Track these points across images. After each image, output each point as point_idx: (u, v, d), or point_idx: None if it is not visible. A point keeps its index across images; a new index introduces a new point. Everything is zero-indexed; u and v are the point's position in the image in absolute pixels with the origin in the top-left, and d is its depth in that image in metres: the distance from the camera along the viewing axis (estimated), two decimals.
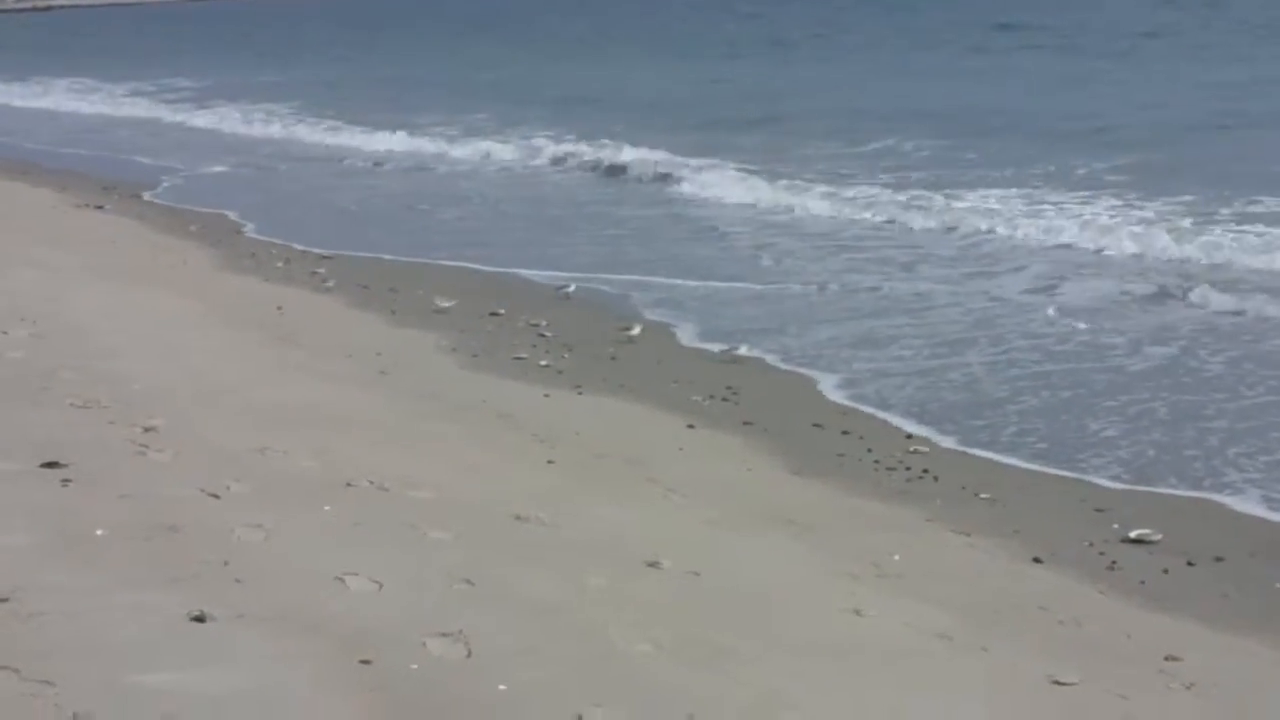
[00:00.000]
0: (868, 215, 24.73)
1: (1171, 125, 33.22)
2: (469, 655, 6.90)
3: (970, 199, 25.31)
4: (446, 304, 17.79)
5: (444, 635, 7.07)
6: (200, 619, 7.02)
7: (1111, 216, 22.87)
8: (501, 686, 6.57)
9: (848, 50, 63.46)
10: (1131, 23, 63.95)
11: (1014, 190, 25.99)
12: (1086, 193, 25.35)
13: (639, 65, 60.43)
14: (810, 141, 34.17)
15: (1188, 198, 23.94)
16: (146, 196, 28.55)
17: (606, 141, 34.25)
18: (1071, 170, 27.92)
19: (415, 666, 6.72)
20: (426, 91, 52.13)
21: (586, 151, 33.49)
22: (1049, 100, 40.06)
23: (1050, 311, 17.17)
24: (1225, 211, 22.71)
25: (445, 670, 6.73)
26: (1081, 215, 23.08)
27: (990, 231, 22.73)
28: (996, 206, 24.44)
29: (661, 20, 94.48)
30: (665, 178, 29.54)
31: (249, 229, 24.36)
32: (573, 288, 18.74)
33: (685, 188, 28.43)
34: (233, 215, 25.89)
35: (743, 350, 15.49)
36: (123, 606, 7.16)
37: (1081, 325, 16.43)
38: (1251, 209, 22.78)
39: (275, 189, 30.36)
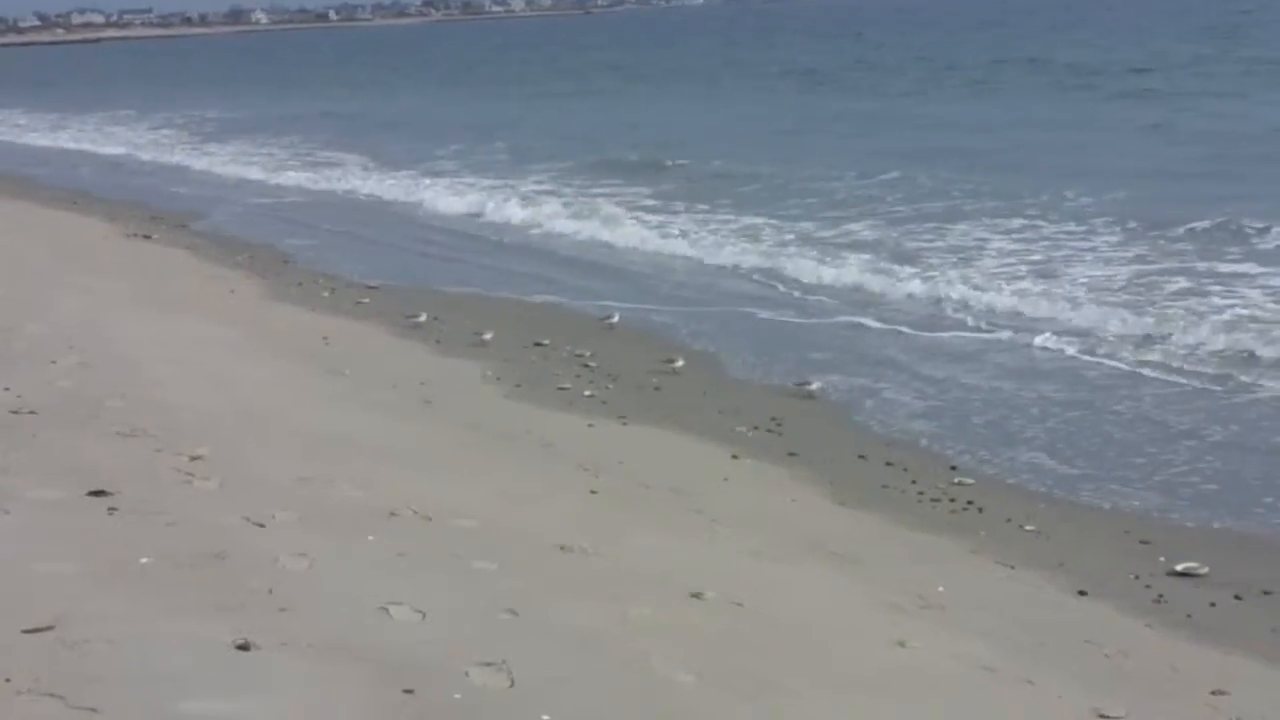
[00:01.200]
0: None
1: None
2: (511, 685, 6.88)
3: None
4: (489, 335, 17.84)
5: (487, 665, 7.06)
6: (245, 647, 7.03)
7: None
8: (545, 717, 6.55)
9: None
10: None
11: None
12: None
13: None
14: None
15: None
16: (194, 226, 28.72)
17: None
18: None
19: (458, 696, 6.71)
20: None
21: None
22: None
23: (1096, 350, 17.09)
24: None
25: (488, 700, 6.72)
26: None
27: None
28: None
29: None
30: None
31: (296, 260, 24.47)
32: (616, 318, 18.76)
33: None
34: (280, 246, 26.02)
35: (815, 385, 15.35)
36: (168, 635, 7.17)
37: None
38: None
39: (320, 224, 30.37)
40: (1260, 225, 23.23)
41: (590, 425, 13.73)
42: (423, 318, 18.72)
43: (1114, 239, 23.80)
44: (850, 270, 22.06)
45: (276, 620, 7.47)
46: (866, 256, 23.21)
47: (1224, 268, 20.75)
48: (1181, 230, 23.53)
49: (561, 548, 9.42)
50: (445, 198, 32.92)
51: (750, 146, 40.07)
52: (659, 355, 16.94)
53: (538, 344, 17.42)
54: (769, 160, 35.83)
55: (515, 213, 29.97)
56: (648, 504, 11.17)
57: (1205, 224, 23.67)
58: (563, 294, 21.22)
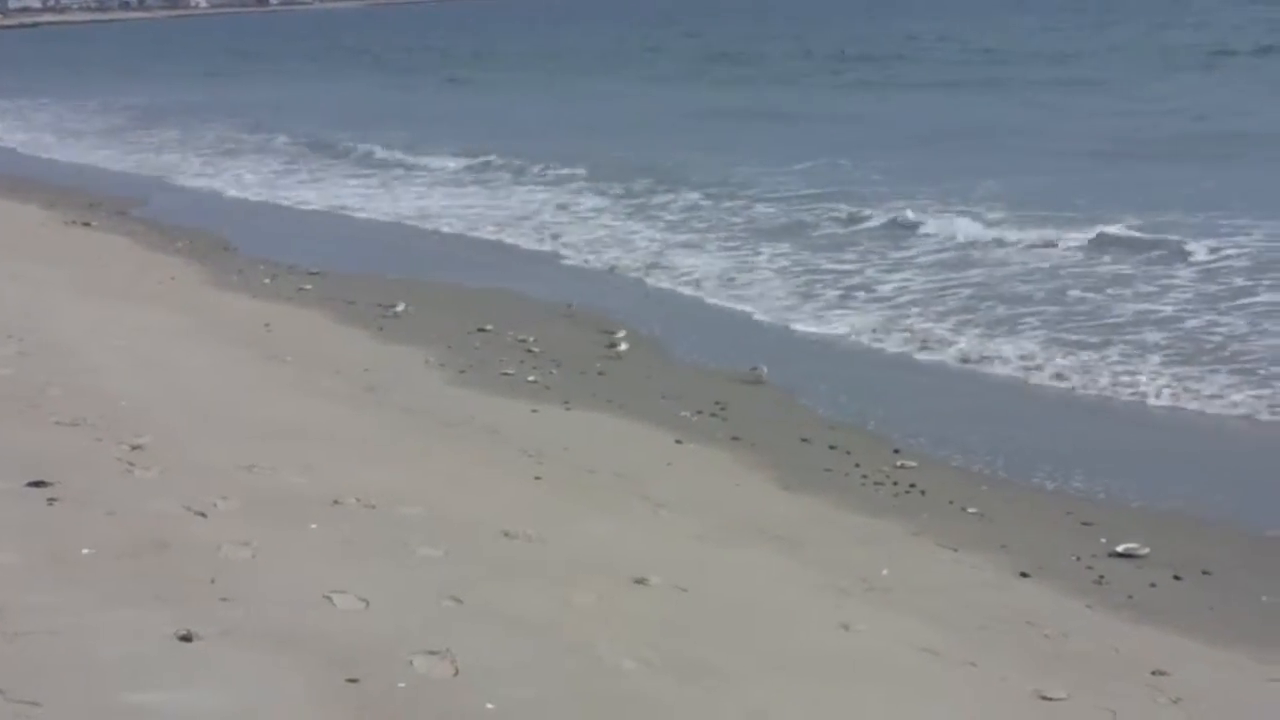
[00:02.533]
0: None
1: None
2: (456, 673, 6.88)
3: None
4: (430, 318, 17.84)
5: (431, 653, 7.06)
6: (187, 638, 7.00)
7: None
8: (489, 705, 6.56)
9: None
10: None
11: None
12: None
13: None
14: None
15: None
16: (134, 213, 28.51)
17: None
18: None
19: (403, 685, 6.70)
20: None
21: None
22: None
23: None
24: None
25: (433, 688, 6.71)
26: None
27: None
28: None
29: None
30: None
31: (236, 247, 24.32)
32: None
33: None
34: (220, 232, 25.85)
35: (764, 370, 15.35)
36: (110, 625, 7.14)
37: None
38: None
39: (261, 209, 30.25)
40: None
41: (534, 411, 13.72)
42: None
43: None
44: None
45: (219, 610, 7.44)
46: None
47: None
48: None
49: (506, 534, 9.42)
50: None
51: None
52: (602, 340, 16.93)
53: (480, 329, 17.37)
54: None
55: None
56: (592, 489, 11.17)
57: None
58: (510, 280, 21.17)
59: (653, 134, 39.69)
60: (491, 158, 35.67)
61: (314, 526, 9.12)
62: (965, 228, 23.28)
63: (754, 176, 30.39)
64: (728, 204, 27.54)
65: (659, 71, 65.77)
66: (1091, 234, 21.83)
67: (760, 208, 26.87)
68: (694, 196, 28.47)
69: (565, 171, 32.63)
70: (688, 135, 38.99)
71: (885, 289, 19.59)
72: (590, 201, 28.88)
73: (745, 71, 62.76)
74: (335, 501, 9.72)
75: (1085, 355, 15.67)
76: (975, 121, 38.83)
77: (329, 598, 7.75)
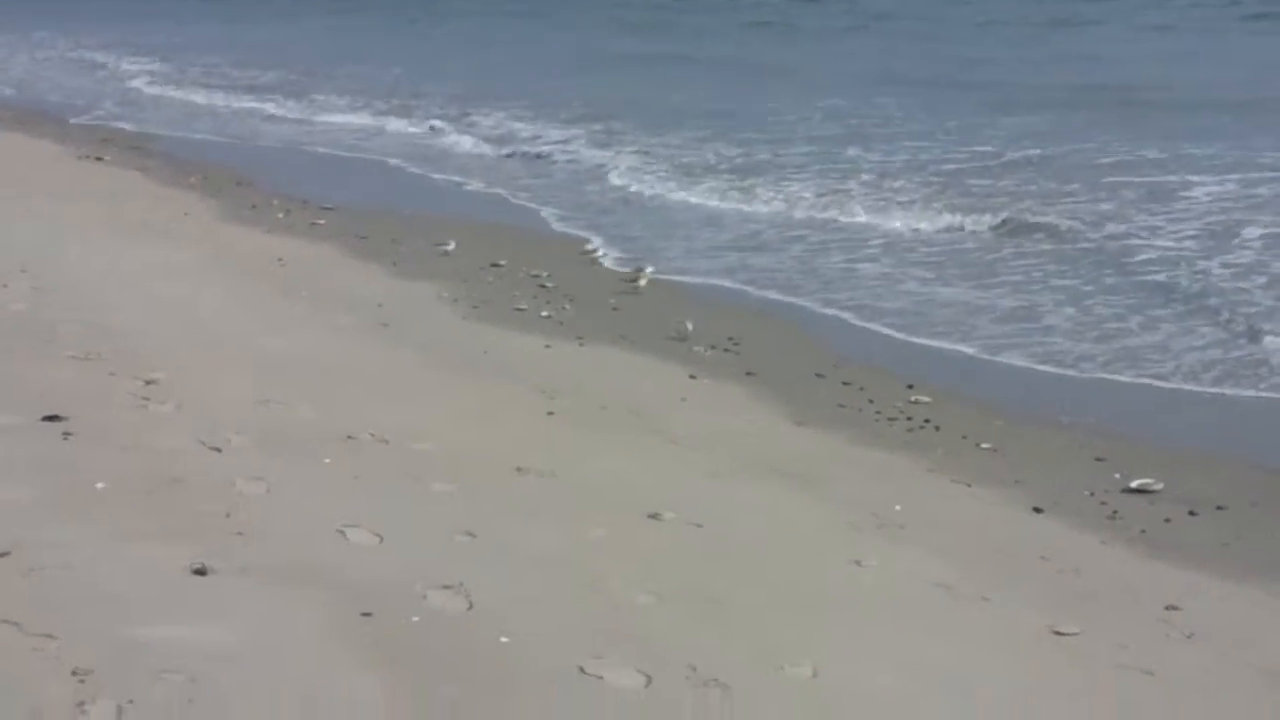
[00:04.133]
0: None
1: None
2: (470, 608, 6.91)
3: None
4: (449, 247, 17.87)
5: (445, 588, 7.08)
6: (202, 572, 7.03)
7: None
8: (504, 639, 6.58)
9: None
10: None
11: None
12: None
13: None
14: None
15: None
16: (147, 148, 28.45)
17: None
18: None
19: (416, 619, 6.73)
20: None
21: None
22: None
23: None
24: None
25: (446, 623, 6.74)
26: None
27: None
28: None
29: None
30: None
31: (251, 181, 24.27)
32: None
33: None
34: (234, 168, 25.80)
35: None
36: (124, 560, 7.17)
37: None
38: None
39: (273, 145, 30.21)
40: None
41: (548, 346, 13.72)
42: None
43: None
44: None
45: (233, 544, 7.47)
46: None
47: None
48: None
49: (519, 470, 9.44)
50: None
51: None
52: (616, 277, 16.93)
53: (494, 265, 17.35)
54: None
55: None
56: (605, 425, 11.18)
57: None
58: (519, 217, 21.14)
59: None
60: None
61: (328, 461, 9.15)
62: None
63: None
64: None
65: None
66: None
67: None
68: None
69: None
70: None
71: None
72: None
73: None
74: (349, 437, 9.75)
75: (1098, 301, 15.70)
76: None
77: (343, 532, 7.78)
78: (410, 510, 8.33)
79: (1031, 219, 19.43)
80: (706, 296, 16.17)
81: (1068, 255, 17.62)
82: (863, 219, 20.20)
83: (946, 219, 19.79)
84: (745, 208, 21.47)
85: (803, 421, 11.71)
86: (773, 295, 16.19)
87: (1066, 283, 16.38)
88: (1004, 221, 19.37)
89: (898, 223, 19.89)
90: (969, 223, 19.52)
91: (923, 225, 19.63)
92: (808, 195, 21.86)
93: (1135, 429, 11.64)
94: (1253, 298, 15.17)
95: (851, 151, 25.64)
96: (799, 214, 20.86)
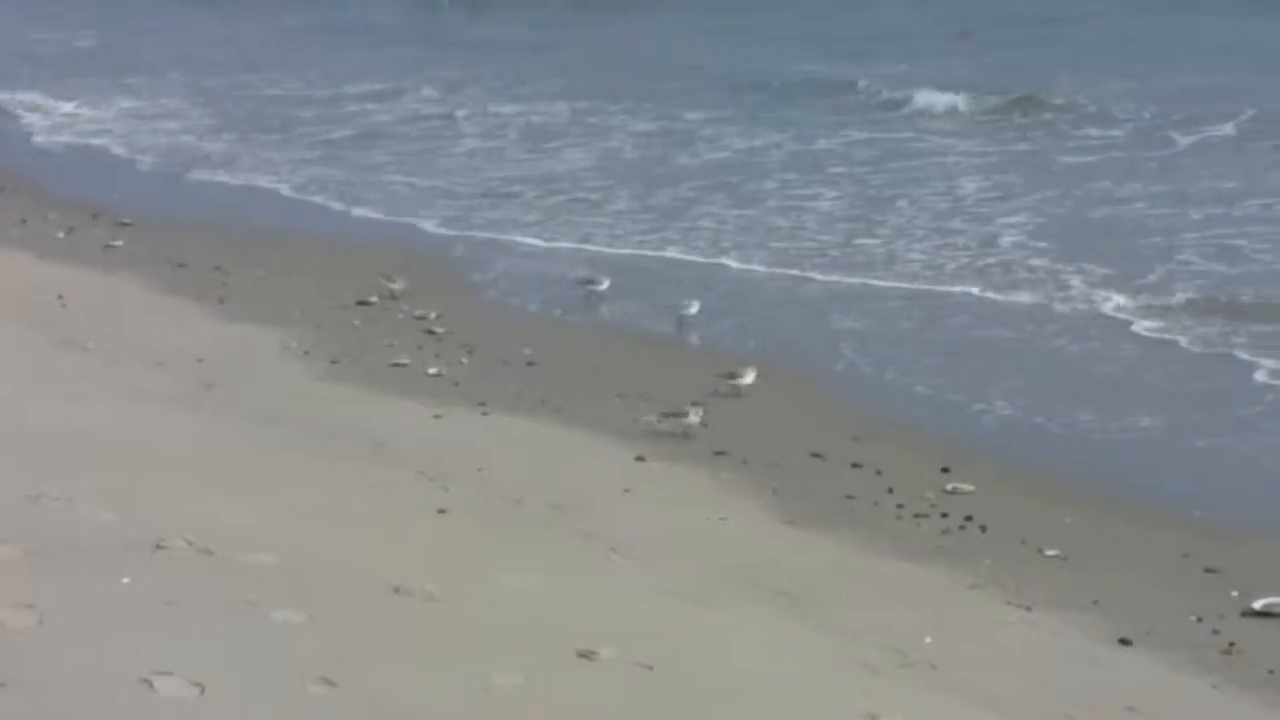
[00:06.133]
0: None
1: None
2: None
3: None
4: (290, 285, 17.83)
5: None
6: None
7: None
8: None
9: None
10: None
11: None
12: None
13: None
14: None
15: None
16: None
17: None
18: None
19: None
20: None
21: None
22: None
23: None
24: None
25: None
26: None
27: None
28: None
29: None
30: None
31: (22, 187, 24.20)
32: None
33: None
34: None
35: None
36: None
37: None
38: None
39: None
40: None
41: (437, 416, 13.70)
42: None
43: None
44: None
45: None
46: None
47: None
48: None
49: (397, 590, 9.38)
50: None
51: None
52: (531, 315, 16.97)
53: (362, 302, 17.35)
54: None
55: None
56: (518, 527, 11.15)
57: None
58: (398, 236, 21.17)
59: None
60: None
61: (127, 581, 9.06)
62: None
63: None
64: None
65: None
66: None
67: None
68: None
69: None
70: None
71: None
72: None
73: None
74: (158, 546, 9.67)
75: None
76: None
77: (148, 682, 7.71)
78: (243, 649, 8.25)
79: None
80: (658, 347, 16.21)
81: None
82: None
83: None
84: None
85: (795, 520, 11.72)
86: (749, 344, 16.23)
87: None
88: None
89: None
90: None
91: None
92: None
93: (1259, 522, 11.69)
94: None
95: None
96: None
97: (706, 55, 38.16)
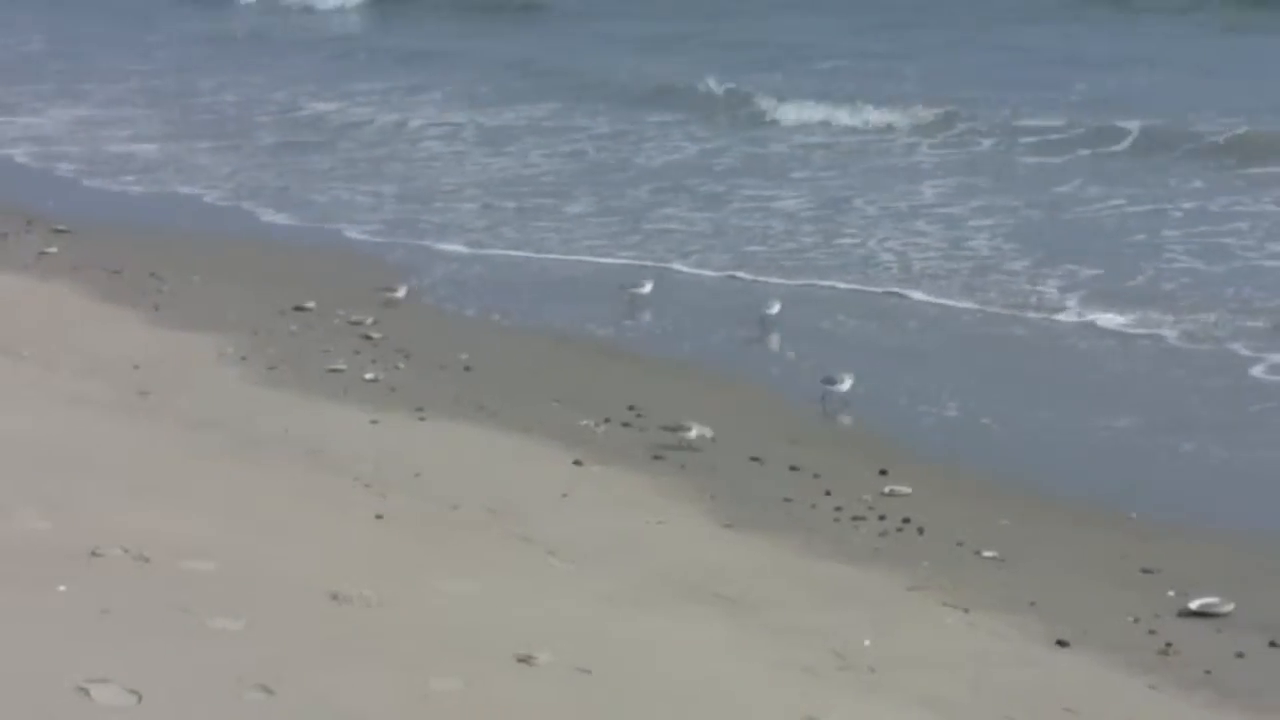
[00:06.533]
0: None
1: None
2: None
3: None
4: (227, 291, 17.79)
5: None
6: None
7: None
8: None
9: None
10: None
11: None
12: None
13: None
14: None
15: None
16: None
17: None
18: None
19: None
20: None
21: None
22: None
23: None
24: None
25: None
26: None
27: None
28: None
29: None
30: None
31: None
32: (648, 287, 18.50)
33: None
34: None
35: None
36: None
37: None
38: None
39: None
40: None
41: (374, 422, 13.68)
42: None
43: None
44: None
45: None
46: None
47: None
48: None
49: (335, 597, 9.36)
50: None
51: None
52: (468, 320, 16.94)
53: (299, 308, 17.31)
54: None
55: None
56: (455, 532, 11.14)
57: None
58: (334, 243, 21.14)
59: None
60: None
61: (62, 589, 9.02)
62: None
63: None
64: None
65: None
66: None
67: None
68: None
69: None
70: None
71: None
72: None
73: None
74: (93, 553, 9.62)
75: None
76: None
77: (84, 690, 7.68)
78: (181, 656, 8.23)
79: None
80: (595, 352, 16.21)
81: None
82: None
83: None
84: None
85: (733, 523, 11.73)
86: (685, 348, 16.25)
87: None
88: None
89: None
90: None
91: None
92: None
93: (1196, 521, 11.74)
94: None
95: None
96: None
97: (612, 63, 37.96)
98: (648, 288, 18.30)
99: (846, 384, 14.33)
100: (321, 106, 34.08)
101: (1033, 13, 42.32)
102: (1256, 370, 15.04)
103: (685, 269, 19.92)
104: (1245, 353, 15.55)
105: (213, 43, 46.62)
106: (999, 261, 19.75)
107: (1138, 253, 19.81)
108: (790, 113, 31.50)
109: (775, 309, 17.44)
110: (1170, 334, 16.25)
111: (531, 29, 47.18)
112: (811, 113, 31.31)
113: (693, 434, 13.34)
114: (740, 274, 19.57)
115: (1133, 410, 14.14)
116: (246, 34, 50.11)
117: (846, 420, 14.35)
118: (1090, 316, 16.99)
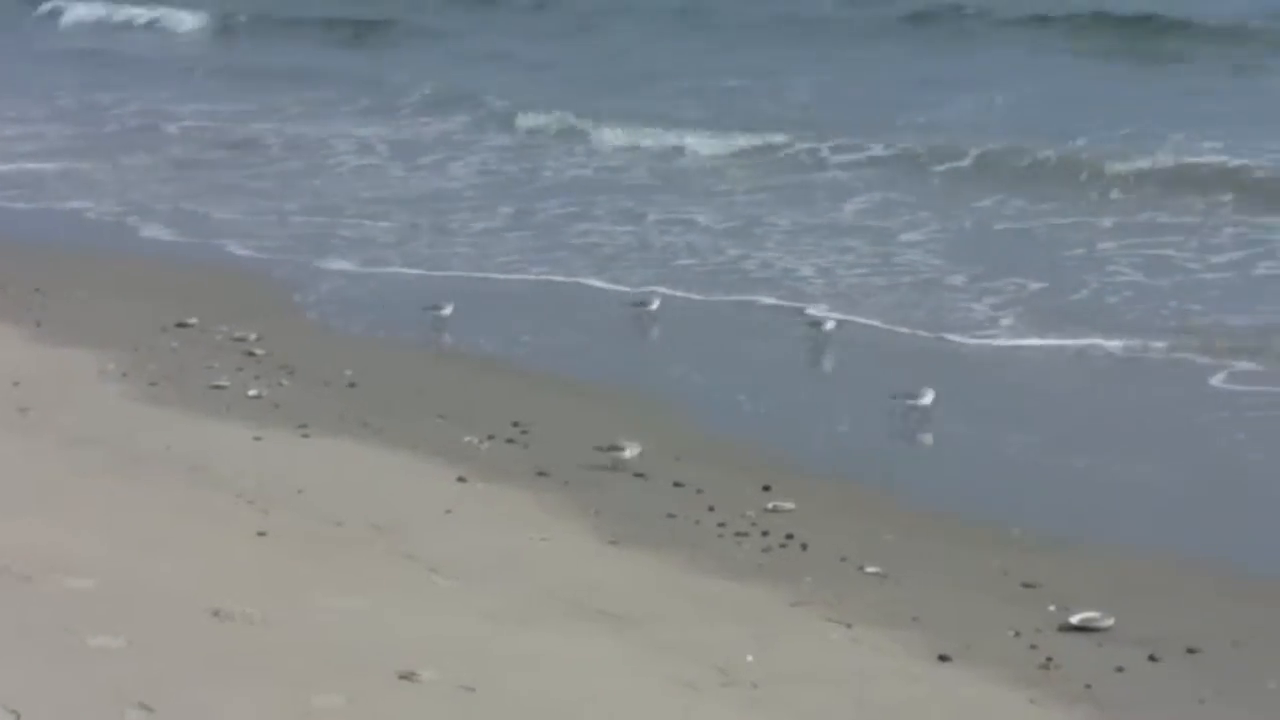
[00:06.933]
0: None
1: None
2: None
3: None
4: (108, 307, 17.69)
5: None
6: None
7: None
8: None
9: None
10: None
11: None
12: None
13: None
14: None
15: None
16: None
17: None
18: None
19: None
20: None
21: None
22: None
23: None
24: None
25: None
26: None
27: None
28: None
29: None
30: None
31: None
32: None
33: None
34: None
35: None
36: None
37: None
38: None
39: None
40: None
41: (257, 438, 13.61)
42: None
43: None
44: None
45: None
46: None
47: None
48: None
49: (216, 614, 9.32)
50: None
51: None
52: (353, 337, 16.89)
53: (181, 324, 17.22)
54: None
55: None
56: (339, 549, 11.09)
57: None
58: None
59: None
60: None
61: None
62: None
63: None
64: None
65: None
66: None
67: None
68: None
69: None
70: None
71: None
72: None
73: None
74: None
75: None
76: None
77: None
78: (60, 675, 8.17)
79: None
80: (481, 368, 16.19)
81: None
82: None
83: None
84: None
85: (618, 539, 11.72)
86: (569, 365, 16.25)
87: None
88: None
89: None
90: None
91: None
92: None
93: (1077, 536, 11.80)
94: None
95: None
96: None
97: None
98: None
99: (929, 397, 14.23)
100: (193, 124, 33.85)
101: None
102: (1138, 385, 15.14)
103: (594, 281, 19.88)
104: (1123, 368, 15.64)
105: (64, 59, 45.99)
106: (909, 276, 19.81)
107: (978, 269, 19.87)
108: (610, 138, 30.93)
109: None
110: (1068, 346, 16.34)
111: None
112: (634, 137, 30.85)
113: (626, 454, 13.33)
114: (621, 287, 19.50)
115: (1021, 426, 14.20)
116: (91, 51, 49.08)
117: (928, 439, 14.38)
118: (986, 333, 17.09)
